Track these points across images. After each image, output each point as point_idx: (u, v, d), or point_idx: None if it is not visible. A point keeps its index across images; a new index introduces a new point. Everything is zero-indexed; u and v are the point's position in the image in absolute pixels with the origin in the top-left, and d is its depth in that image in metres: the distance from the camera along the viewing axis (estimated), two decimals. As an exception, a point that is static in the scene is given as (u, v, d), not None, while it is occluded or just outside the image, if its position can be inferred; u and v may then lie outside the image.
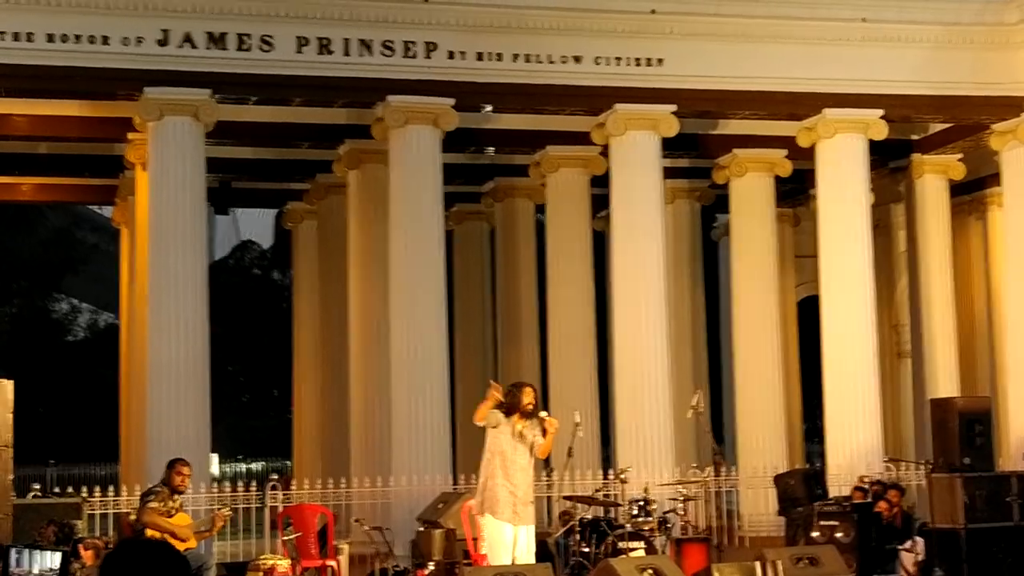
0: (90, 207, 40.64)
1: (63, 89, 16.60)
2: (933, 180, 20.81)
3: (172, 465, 11.87)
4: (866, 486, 16.28)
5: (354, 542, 14.96)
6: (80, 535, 13.21)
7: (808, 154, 19.01)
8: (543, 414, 11.72)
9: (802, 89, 18.04)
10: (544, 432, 11.52)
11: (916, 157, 20.74)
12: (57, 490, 25.30)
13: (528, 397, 11.63)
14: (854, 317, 18.19)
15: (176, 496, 11.80)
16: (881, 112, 18.37)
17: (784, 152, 20.24)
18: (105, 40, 15.98)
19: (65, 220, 42.61)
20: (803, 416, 24.11)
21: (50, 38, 15.84)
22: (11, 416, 12.18)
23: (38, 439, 27.56)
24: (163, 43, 16.18)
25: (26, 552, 5.51)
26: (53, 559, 5.47)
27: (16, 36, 15.75)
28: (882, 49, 18.14)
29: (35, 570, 5.52)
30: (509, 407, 11.56)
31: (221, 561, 15.04)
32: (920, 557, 14.24)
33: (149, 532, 11.26)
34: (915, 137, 20.57)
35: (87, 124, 18.01)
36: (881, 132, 18.50)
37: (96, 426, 29.88)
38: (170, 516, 11.61)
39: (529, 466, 11.87)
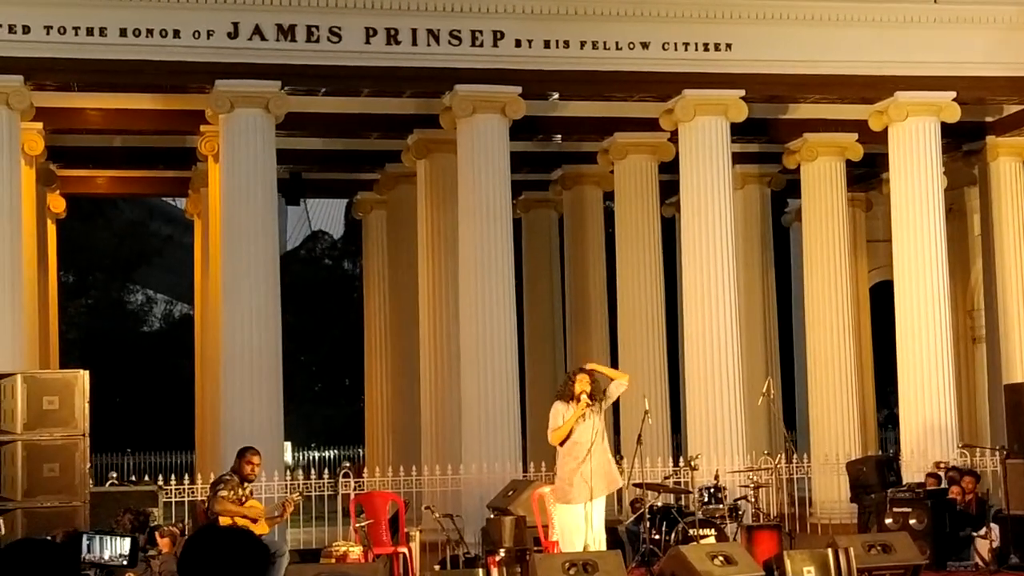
0: (164, 199, 41.13)
1: (136, 83, 16.83)
2: (1008, 162, 20.51)
3: (242, 454, 11.99)
4: (940, 472, 16.12)
5: (425, 529, 15.04)
6: (156, 523, 13.40)
7: (880, 138, 18.81)
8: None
9: (873, 72, 17.85)
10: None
11: (990, 139, 20.44)
12: (133, 478, 25.70)
13: (580, 385, 11.97)
14: (928, 302, 17.99)
15: (246, 484, 11.93)
16: (954, 94, 18.13)
17: (855, 136, 20.04)
18: (176, 34, 16.18)
19: (139, 212, 43.14)
20: (876, 402, 23.88)
21: (122, 32, 16.06)
22: (87, 405, 12.37)
23: (115, 428, 28.02)
24: (233, 36, 16.34)
25: (97, 538, 5.60)
26: (123, 545, 5.55)
27: (89, 31, 15.99)
28: (955, 30, 17.91)
29: (106, 556, 5.61)
30: (567, 397, 11.98)
31: (294, 548, 15.18)
32: (995, 544, 14.07)
33: (222, 520, 11.41)
34: (989, 119, 20.27)
35: (160, 117, 18.24)
36: (954, 114, 18.26)
37: (171, 415, 30.26)
38: (241, 504, 11.74)
39: (597, 446, 12.00)
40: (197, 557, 3.85)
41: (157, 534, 11.64)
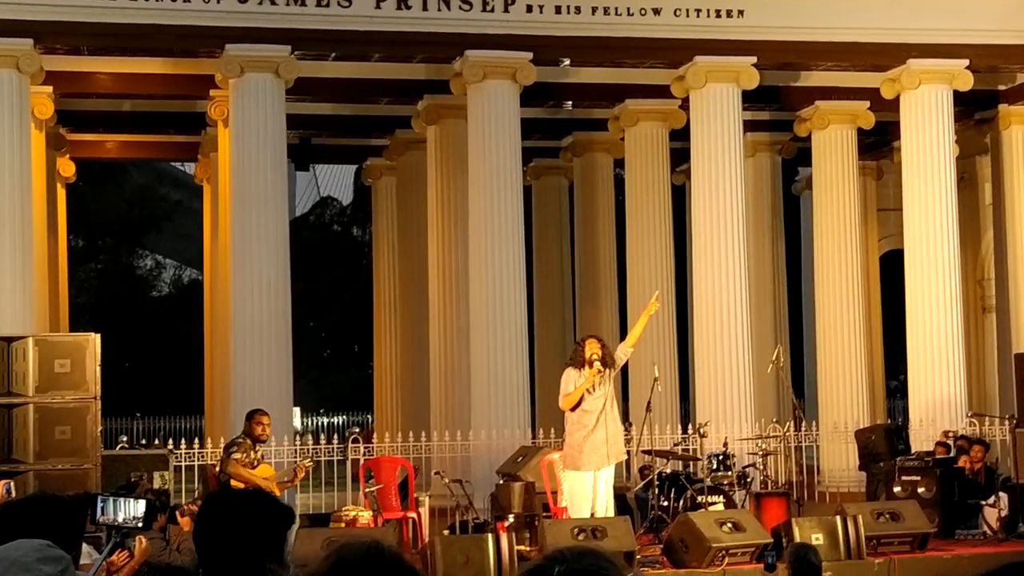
0: (173, 164, 41.12)
1: (146, 47, 16.78)
2: (1020, 131, 20.41)
3: (251, 416, 12.03)
4: (949, 441, 16.13)
5: (434, 495, 15.09)
6: (171, 499, 13.36)
7: (892, 106, 18.72)
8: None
9: (886, 39, 17.75)
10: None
11: (1003, 108, 20.34)
12: (144, 442, 25.79)
13: (590, 349, 12.04)
14: (938, 271, 17.95)
15: (258, 446, 11.98)
16: (966, 62, 18.03)
17: (867, 104, 19.94)
18: (187, -3, 16.11)
19: (149, 177, 43.17)
20: (885, 371, 23.87)
21: (133, -4, 15.99)
22: (99, 369, 12.40)
23: (124, 392, 28.11)
24: (243, 0, 16.28)
25: (111, 500, 5.61)
26: (137, 507, 5.56)
27: (100, -5, 15.93)
28: (968, -2, 17.79)
29: (120, 518, 5.63)
30: (579, 363, 12.01)
31: (304, 512, 15.25)
32: (1004, 512, 14.09)
33: (234, 483, 11.45)
34: (1002, 87, 20.16)
35: (170, 81, 18.19)
36: (967, 82, 18.17)
37: (180, 380, 30.36)
38: (253, 467, 11.79)
39: (607, 413, 12.04)
40: (217, 519, 3.79)
41: (178, 513, 11.67)
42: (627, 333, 19.94)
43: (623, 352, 12.51)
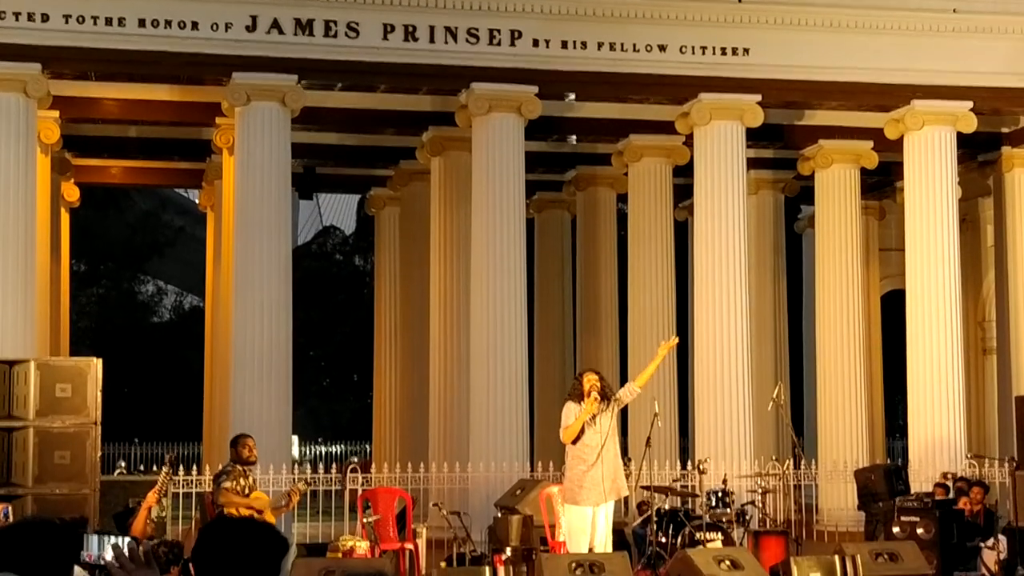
0: (177, 190, 41.25)
1: (153, 74, 16.86)
2: (1023, 174, 20.46)
3: (236, 441, 12.05)
4: (949, 483, 16.09)
5: (432, 526, 15.06)
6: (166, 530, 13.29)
7: (895, 146, 18.79)
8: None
9: (890, 80, 17.82)
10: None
11: (1006, 150, 20.40)
12: (142, 467, 25.74)
13: (588, 382, 12.06)
14: (939, 312, 17.96)
15: (248, 472, 11.94)
16: (970, 104, 18.11)
17: (871, 144, 20.01)
18: (195, 25, 16.20)
19: (153, 203, 43.25)
20: (885, 411, 23.85)
21: (141, 23, 16.08)
22: (100, 394, 12.40)
23: (123, 418, 28.06)
24: (251, 29, 16.36)
25: (96, 538, 5.56)
26: (122, 544, 5.53)
27: (108, 21, 16.02)
28: (973, 40, 17.88)
29: (108, 556, 5.58)
30: (578, 397, 12.05)
31: (301, 542, 15.20)
32: (1003, 555, 14.05)
33: (227, 511, 11.42)
34: (1005, 130, 20.23)
35: (176, 108, 18.25)
36: (970, 124, 18.24)
37: (179, 406, 30.32)
38: (246, 495, 11.75)
39: (608, 449, 12.04)
40: (213, 548, 3.81)
41: (191, 565, 11.58)
42: (628, 367, 20.07)
43: (629, 391, 12.47)
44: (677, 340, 13.03)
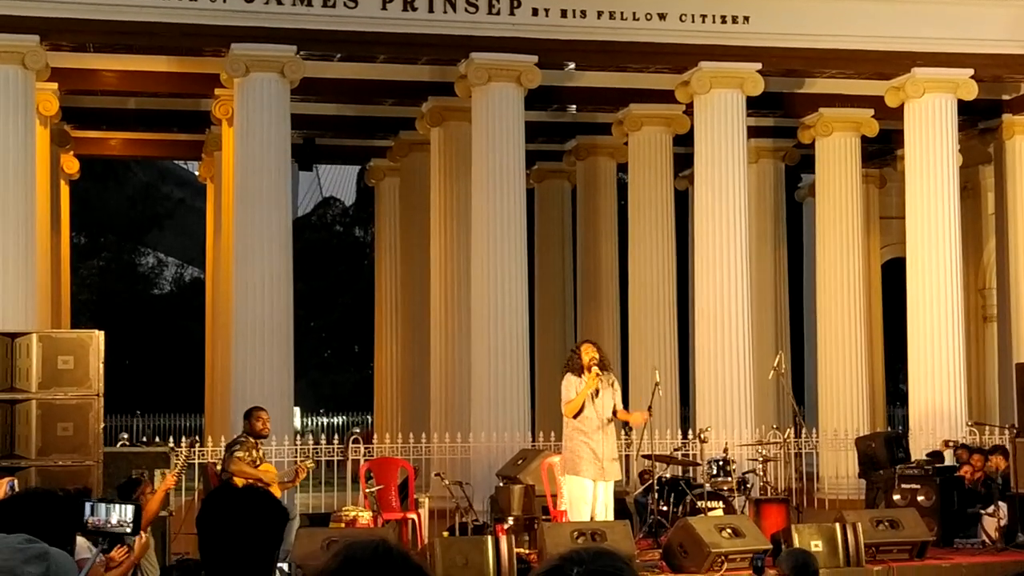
0: (177, 162, 41.17)
1: (151, 45, 16.81)
2: (1023, 141, 20.43)
3: (250, 413, 12.17)
4: (947, 451, 16.13)
5: (434, 496, 15.11)
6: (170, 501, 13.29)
7: (896, 114, 18.75)
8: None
9: (891, 48, 17.77)
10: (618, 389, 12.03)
11: (1007, 118, 20.35)
12: (145, 439, 25.80)
13: (586, 354, 12.04)
14: (940, 280, 17.97)
15: (260, 444, 12.07)
16: (971, 71, 18.06)
17: (871, 112, 19.97)
18: (193, -4, 16.13)
19: (152, 175, 43.20)
20: (886, 379, 23.89)
21: (139, -6, 16.02)
22: (102, 366, 12.41)
23: (125, 390, 28.10)
24: (250, 0, 16.29)
25: (102, 505, 5.58)
26: (127, 512, 5.55)
27: (106, -8, 15.95)
28: (973, 7, 17.82)
29: (114, 519, 5.61)
30: (577, 369, 12.04)
31: (304, 512, 15.26)
32: (1003, 522, 14.10)
33: (236, 480, 11.50)
34: (1006, 97, 20.18)
35: (175, 80, 18.21)
36: (971, 92, 18.19)
37: (181, 378, 30.36)
38: (256, 466, 11.87)
39: (607, 422, 12.08)
40: (217, 515, 3.88)
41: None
42: (628, 336, 20.08)
43: (618, 411, 12.35)
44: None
